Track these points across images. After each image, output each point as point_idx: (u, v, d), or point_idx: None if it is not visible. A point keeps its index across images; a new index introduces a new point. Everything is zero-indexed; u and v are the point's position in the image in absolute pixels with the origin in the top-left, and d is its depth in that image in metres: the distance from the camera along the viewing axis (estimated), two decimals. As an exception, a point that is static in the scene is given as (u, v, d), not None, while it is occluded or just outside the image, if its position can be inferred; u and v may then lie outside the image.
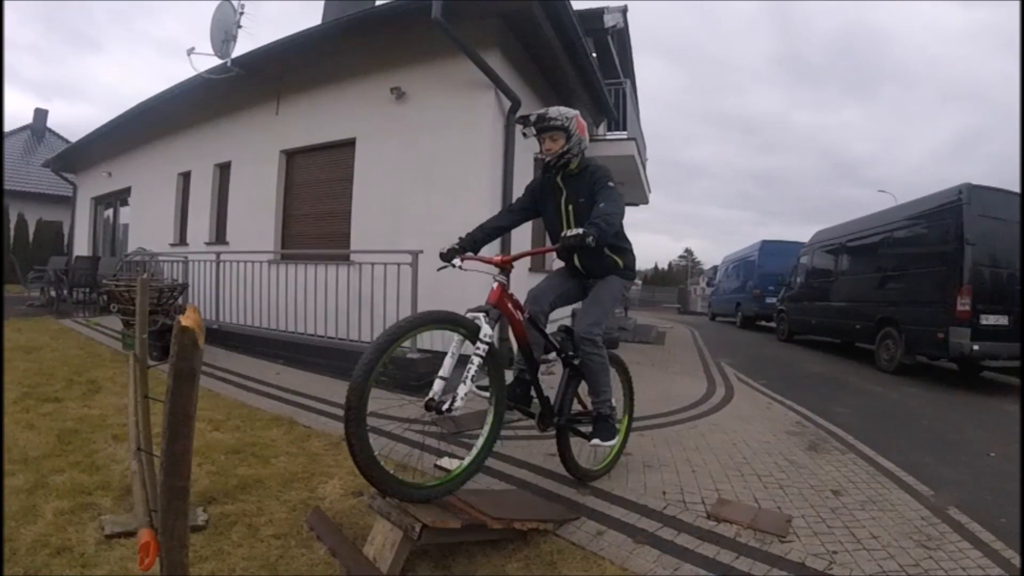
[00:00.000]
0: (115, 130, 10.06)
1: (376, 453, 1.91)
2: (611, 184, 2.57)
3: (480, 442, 2.35)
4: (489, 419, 2.38)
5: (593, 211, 2.43)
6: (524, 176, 5.83)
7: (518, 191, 3.76)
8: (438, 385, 2.08)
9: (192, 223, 8.86)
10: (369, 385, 1.88)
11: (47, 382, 4.30)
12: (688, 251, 65.45)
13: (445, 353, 2.19)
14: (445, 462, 2.32)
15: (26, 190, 17.51)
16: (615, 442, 2.86)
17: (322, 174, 6.96)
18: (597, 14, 9.41)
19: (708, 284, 24.94)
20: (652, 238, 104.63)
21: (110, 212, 12.52)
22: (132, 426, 2.25)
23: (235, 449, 3.04)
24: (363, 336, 4.99)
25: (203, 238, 8.34)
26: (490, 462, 3.06)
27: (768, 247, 15.40)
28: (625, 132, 9.52)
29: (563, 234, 2.28)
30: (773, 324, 13.38)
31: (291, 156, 7.23)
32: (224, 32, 6.89)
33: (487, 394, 2.37)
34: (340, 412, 3.66)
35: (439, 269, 2.66)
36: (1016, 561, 2.24)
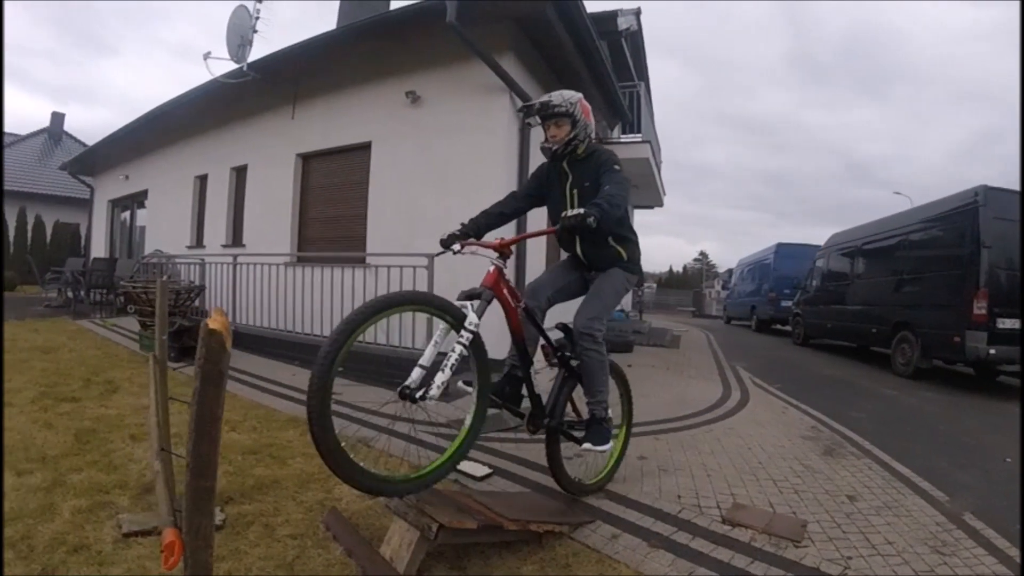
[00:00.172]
0: (131, 133, 10.20)
1: (343, 444, 1.85)
2: (617, 167, 2.48)
3: (458, 439, 2.17)
4: (470, 414, 2.21)
5: (598, 194, 2.35)
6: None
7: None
8: (416, 373, 1.97)
9: (209, 226, 8.98)
10: (335, 368, 1.75)
11: (64, 382, 4.36)
12: (703, 254, 64.64)
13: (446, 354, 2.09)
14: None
15: (44, 192, 17.79)
16: (608, 448, 2.60)
17: (338, 177, 7.03)
18: (611, 17, 9.38)
19: (723, 287, 24.74)
20: (667, 240, 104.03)
21: (127, 214, 12.72)
22: (153, 427, 2.29)
23: (252, 450, 3.07)
24: (378, 339, 5.01)
25: (220, 240, 8.44)
26: (504, 464, 3.08)
27: (783, 250, 15.32)
28: (640, 135, 9.48)
29: (564, 214, 2.18)
30: (788, 328, 13.28)
31: (307, 159, 7.31)
32: (240, 37, 6.98)
33: (471, 389, 2.24)
34: (355, 415, 3.73)
35: (437, 255, 2.62)
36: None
